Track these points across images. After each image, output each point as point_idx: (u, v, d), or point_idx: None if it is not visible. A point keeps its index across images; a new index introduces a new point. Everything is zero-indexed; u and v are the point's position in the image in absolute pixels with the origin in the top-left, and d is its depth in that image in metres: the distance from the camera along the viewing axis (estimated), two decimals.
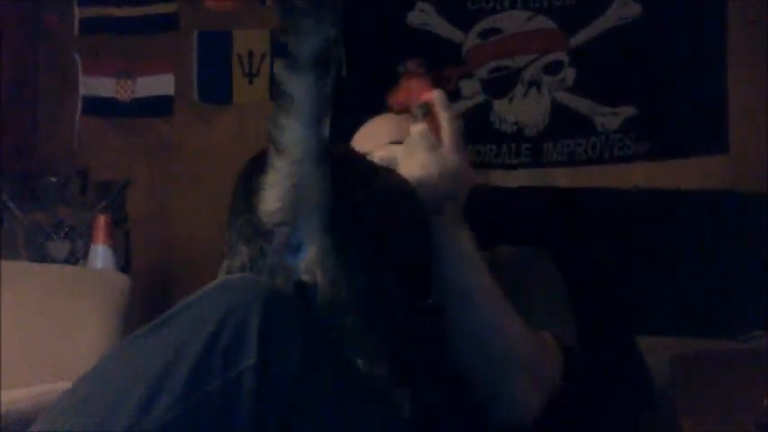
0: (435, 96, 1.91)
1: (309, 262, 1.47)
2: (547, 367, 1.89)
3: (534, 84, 3.54)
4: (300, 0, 1.41)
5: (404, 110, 2.01)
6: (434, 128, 1.87)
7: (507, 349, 1.81)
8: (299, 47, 1.41)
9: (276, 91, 1.45)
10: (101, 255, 3.50)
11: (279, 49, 3.79)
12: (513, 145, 3.52)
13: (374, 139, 2.10)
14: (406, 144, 1.86)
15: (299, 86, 1.42)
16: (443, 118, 1.88)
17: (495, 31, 3.58)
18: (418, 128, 1.86)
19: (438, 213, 1.82)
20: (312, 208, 1.46)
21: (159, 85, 3.88)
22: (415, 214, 1.72)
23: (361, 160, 1.75)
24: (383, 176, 1.72)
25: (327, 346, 1.48)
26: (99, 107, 3.92)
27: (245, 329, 1.32)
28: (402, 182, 1.77)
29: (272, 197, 1.48)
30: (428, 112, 1.89)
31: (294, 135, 1.44)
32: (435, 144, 1.85)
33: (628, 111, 3.47)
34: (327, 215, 1.47)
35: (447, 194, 1.85)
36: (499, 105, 3.52)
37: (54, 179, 3.78)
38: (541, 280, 2.08)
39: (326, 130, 1.45)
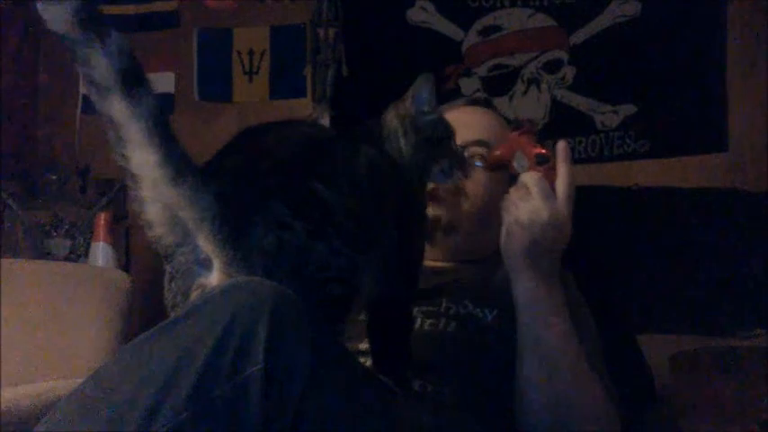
0: (562, 147, 1.88)
1: (219, 274, 1.46)
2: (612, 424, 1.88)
3: (534, 82, 3.54)
4: (68, 32, 1.37)
5: (499, 166, 1.99)
6: (548, 177, 1.85)
7: (589, 415, 1.80)
8: (92, 73, 1.39)
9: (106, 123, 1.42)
10: (101, 252, 3.51)
11: (276, 47, 3.80)
12: None
13: (462, 130, 2.06)
14: (520, 186, 1.85)
15: (115, 111, 1.39)
16: (563, 170, 1.85)
17: (495, 28, 3.58)
18: (535, 175, 1.83)
19: (536, 264, 1.82)
20: (197, 223, 1.44)
21: (159, 83, 3.73)
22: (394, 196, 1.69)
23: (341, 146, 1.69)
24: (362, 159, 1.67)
25: (336, 350, 1.48)
26: None
27: (252, 334, 1.31)
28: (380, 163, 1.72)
29: (153, 222, 1.46)
30: (545, 162, 1.86)
31: (136, 161, 1.41)
32: (550, 194, 1.82)
33: (628, 109, 3.47)
34: (220, 226, 1.44)
35: (550, 246, 1.83)
36: (499, 103, 3.48)
37: (54, 177, 3.80)
38: (579, 317, 2.01)
39: (170, 147, 1.41)
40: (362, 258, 1.56)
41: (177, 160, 1.41)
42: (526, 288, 1.83)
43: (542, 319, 1.81)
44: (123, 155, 1.41)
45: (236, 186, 1.47)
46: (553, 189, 1.83)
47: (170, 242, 1.47)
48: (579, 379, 1.81)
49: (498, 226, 1.94)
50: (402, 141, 1.77)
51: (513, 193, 1.85)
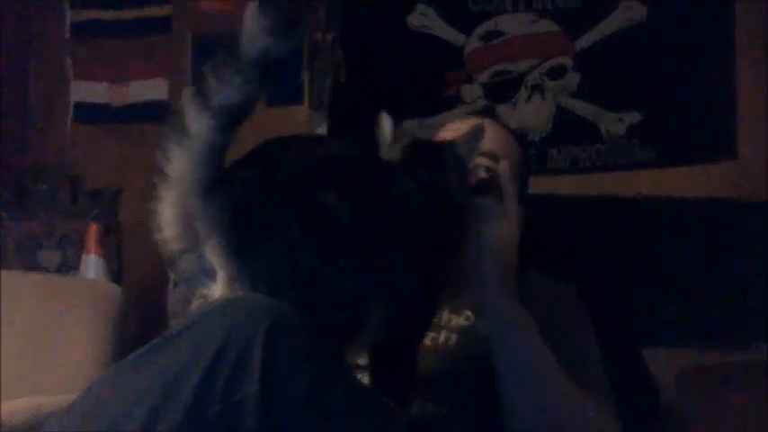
0: (503, 168, 1.92)
1: (222, 287, 1.45)
2: None
3: (537, 88, 3.50)
4: (226, 54, 1.41)
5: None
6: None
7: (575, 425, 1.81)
8: (217, 93, 1.40)
9: (175, 121, 1.43)
10: (93, 264, 3.50)
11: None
12: None
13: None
14: (478, 209, 1.87)
15: (201, 126, 1.40)
16: (508, 191, 1.89)
17: (498, 33, 3.55)
18: (489, 199, 1.88)
19: (507, 284, 1.83)
20: (209, 235, 1.43)
21: (153, 89, 3.82)
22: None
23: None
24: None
25: (336, 368, 1.45)
26: (91, 114, 3.87)
27: (247, 354, 1.29)
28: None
29: (165, 225, 1.46)
30: (486, 189, 1.91)
31: (181, 167, 1.42)
32: (507, 215, 1.87)
33: (633, 116, 3.42)
34: (228, 238, 1.43)
35: (510, 263, 1.85)
36: (501, 111, 3.46)
37: (45, 187, 3.78)
38: (576, 331, 2.04)
39: (216, 167, 1.43)
40: (374, 286, 1.53)
41: (213, 176, 1.43)
42: (504, 309, 1.83)
43: (521, 337, 1.82)
44: (169, 153, 1.42)
45: (249, 199, 1.46)
46: None
47: (177, 247, 1.47)
48: (567, 390, 1.81)
49: None
50: (456, 184, 1.81)
51: (472, 219, 1.86)
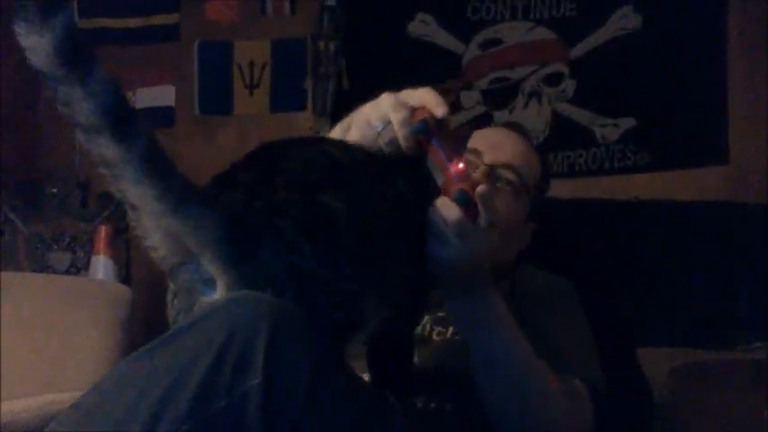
0: (480, 192, 1.65)
1: (223, 294, 1.43)
2: (581, 421, 1.86)
3: (534, 95, 3.55)
4: (49, 68, 1.30)
5: None
6: (470, 215, 1.66)
7: (545, 410, 1.78)
8: (76, 115, 1.31)
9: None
10: (102, 266, 3.52)
11: (277, 60, 3.80)
12: None
13: (492, 150, 2.06)
14: (437, 225, 1.67)
15: (105, 151, 1.32)
16: (485, 213, 1.66)
17: (496, 41, 3.59)
18: (454, 216, 1.63)
19: (470, 290, 1.73)
20: (202, 247, 1.39)
21: (160, 96, 3.85)
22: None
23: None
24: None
25: (336, 363, 1.46)
26: None
27: (251, 348, 1.30)
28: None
29: (155, 245, 1.42)
30: (469, 203, 1.64)
31: (134, 195, 1.35)
32: (469, 231, 1.65)
33: (628, 122, 3.48)
34: (225, 248, 1.39)
35: (476, 271, 1.72)
36: (499, 117, 3.52)
37: (55, 191, 3.81)
38: (569, 319, 2.04)
39: (168, 180, 1.35)
40: (372, 285, 1.52)
41: (177, 191, 1.36)
42: (455, 305, 1.75)
43: (475, 331, 1.75)
44: (120, 190, 1.36)
45: (245, 204, 1.44)
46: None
47: (174, 262, 1.44)
48: (541, 379, 1.77)
49: (515, 239, 2.02)
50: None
51: (436, 229, 1.69)
